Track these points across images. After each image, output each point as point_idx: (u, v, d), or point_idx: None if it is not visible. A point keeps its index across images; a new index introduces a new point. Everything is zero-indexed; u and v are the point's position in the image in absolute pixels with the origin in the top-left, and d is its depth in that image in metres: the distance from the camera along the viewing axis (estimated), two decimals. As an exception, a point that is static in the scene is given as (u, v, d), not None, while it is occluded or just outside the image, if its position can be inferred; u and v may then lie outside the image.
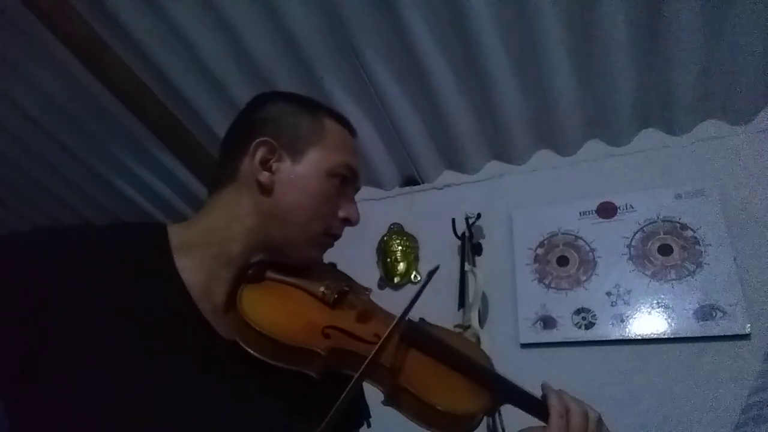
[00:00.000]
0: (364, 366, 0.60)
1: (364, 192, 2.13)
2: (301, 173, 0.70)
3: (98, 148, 2.13)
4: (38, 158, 2.22)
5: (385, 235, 2.00)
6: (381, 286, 1.95)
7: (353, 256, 1.84)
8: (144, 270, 0.61)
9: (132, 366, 0.55)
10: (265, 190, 0.69)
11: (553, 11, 1.42)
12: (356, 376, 0.59)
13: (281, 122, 0.71)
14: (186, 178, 2.21)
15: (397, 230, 2.00)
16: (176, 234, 0.67)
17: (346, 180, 0.73)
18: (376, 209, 2.08)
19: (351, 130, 0.77)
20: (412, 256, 1.94)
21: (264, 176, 0.68)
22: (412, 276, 1.92)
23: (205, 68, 1.70)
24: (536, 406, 0.69)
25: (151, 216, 2.44)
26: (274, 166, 0.69)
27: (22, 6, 1.51)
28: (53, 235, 0.62)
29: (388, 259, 1.94)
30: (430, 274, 0.74)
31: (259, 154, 0.69)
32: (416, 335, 0.69)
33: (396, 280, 1.91)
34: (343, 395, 0.57)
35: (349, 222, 0.74)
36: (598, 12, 1.39)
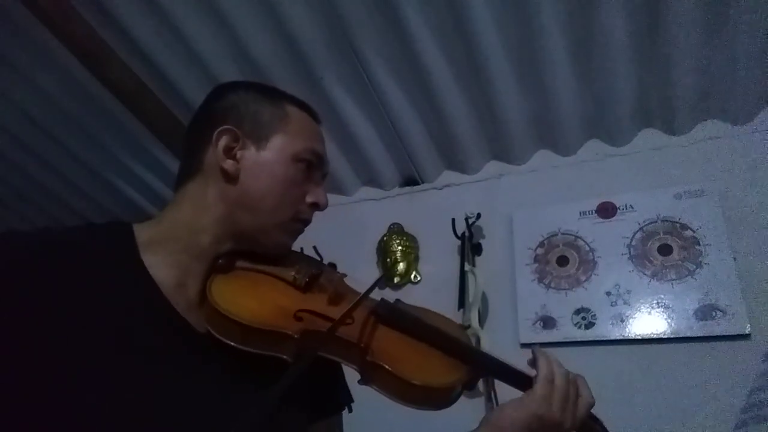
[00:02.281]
0: (324, 335, 0.60)
1: (364, 192, 2.14)
2: (266, 159, 0.69)
3: (98, 148, 2.13)
4: (38, 158, 2.22)
5: (385, 235, 1.99)
6: (381, 286, 1.95)
7: (353, 256, 1.87)
8: (110, 270, 0.60)
9: (107, 369, 0.53)
10: (231, 178, 0.68)
11: (553, 11, 1.42)
12: (314, 346, 0.59)
13: (242, 110, 0.71)
14: (186, 178, 2.20)
15: (397, 230, 2.00)
16: (143, 231, 0.66)
17: (312, 165, 0.73)
18: (376, 209, 2.08)
19: (315, 116, 0.77)
20: (412, 256, 1.94)
21: (228, 164, 0.68)
22: (412, 276, 1.92)
23: (205, 68, 1.70)
24: (515, 377, 0.69)
25: (151, 216, 2.44)
26: (239, 153, 0.69)
27: (22, 6, 1.50)
28: (11, 241, 0.58)
29: (388, 259, 1.94)
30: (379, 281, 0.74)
31: (222, 142, 0.69)
32: (387, 312, 0.69)
33: (396, 280, 1.91)
34: (299, 366, 0.56)
35: (317, 206, 0.74)
36: (598, 12, 1.39)
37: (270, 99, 0.73)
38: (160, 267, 0.63)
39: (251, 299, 0.65)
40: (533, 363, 0.68)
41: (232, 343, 0.60)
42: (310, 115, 0.76)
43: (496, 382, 1.52)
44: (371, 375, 0.63)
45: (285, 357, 0.60)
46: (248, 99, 0.72)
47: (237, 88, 0.75)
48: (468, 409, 0.65)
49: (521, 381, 0.68)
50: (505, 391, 0.69)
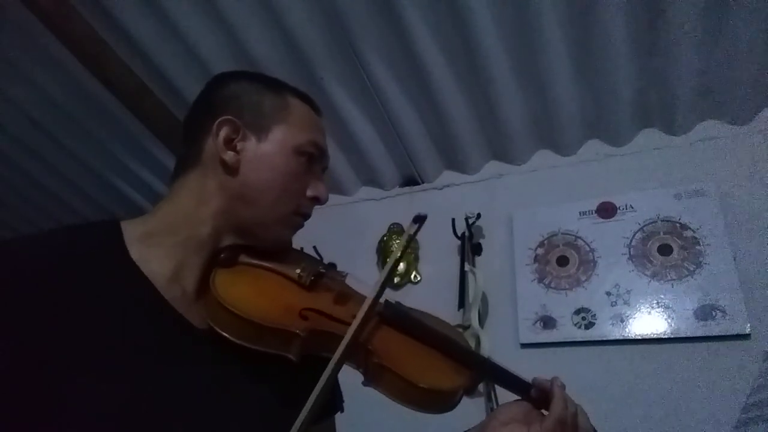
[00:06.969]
0: (344, 346, 0.59)
1: (364, 192, 2.14)
2: (267, 151, 0.68)
3: (98, 148, 2.13)
4: (38, 158, 2.22)
5: (385, 235, 1.99)
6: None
7: (353, 256, 1.87)
8: (97, 269, 0.58)
9: (100, 369, 0.53)
10: (231, 170, 0.67)
11: (553, 11, 1.42)
12: (338, 355, 0.58)
13: (243, 100, 0.70)
14: (186, 178, 2.20)
15: (397, 230, 2.00)
16: (135, 226, 0.65)
17: (313, 158, 0.72)
18: (376, 209, 2.08)
19: (316, 108, 0.76)
20: (412, 256, 1.94)
21: (229, 156, 0.67)
22: (412, 276, 1.92)
23: (205, 68, 1.70)
24: (515, 383, 0.69)
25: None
26: (239, 145, 0.68)
27: (22, 6, 1.51)
28: None
29: (388, 259, 1.93)
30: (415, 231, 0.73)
31: (223, 133, 0.67)
32: (394, 315, 0.69)
33: (396, 280, 1.91)
34: (327, 375, 0.56)
35: (317, 200, 0.73)
36: (598, 12, 1.39)
37: (271, 89, 0.72)
38: (155, 260, 0.62)
39: (256, 295, 0.64)
40: (545, 391, 0.67)
41: (235, 339, 0.59)
42: (312, 107, 0.75)
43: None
44: (376, 376, 0.63)
45: (290, 356, 0.59)
46: (249, 89, 0.71)
47: (238, 77, 0.74)
48: (469, 408, 0.65)
49: (521, 387, 0.68)
50: (504, 392, 0.69)
